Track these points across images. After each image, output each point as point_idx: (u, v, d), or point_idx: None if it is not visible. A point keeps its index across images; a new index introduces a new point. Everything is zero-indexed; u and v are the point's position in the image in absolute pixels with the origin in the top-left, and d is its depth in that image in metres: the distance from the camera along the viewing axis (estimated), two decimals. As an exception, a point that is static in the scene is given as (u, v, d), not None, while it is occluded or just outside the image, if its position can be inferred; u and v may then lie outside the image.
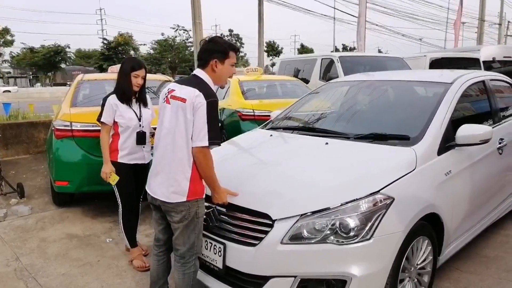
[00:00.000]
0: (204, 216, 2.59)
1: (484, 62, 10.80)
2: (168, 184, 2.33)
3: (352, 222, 2.21)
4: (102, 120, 3.27)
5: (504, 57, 11.54)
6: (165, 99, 2.41)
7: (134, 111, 3.28)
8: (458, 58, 10.60)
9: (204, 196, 2.41)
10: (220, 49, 2.37)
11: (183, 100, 2.27)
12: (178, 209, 2.33)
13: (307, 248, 2.21)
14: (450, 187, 2.78)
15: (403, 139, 2.82)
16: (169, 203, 2.33)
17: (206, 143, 2.23)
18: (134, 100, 3.32)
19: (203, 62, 2.39)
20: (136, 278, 3.19)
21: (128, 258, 3.50)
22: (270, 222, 2.30)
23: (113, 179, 3.22)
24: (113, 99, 3.26)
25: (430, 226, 2.62)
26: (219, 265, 2.45)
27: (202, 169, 2.33)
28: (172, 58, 44.93)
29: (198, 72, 2.41)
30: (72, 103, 4.67)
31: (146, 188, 2.52)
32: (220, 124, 7.19)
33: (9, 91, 36.43)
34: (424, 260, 2.63)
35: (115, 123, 3.26)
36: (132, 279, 3.18)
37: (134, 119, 3.24)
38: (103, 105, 3.27)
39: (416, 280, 2.60)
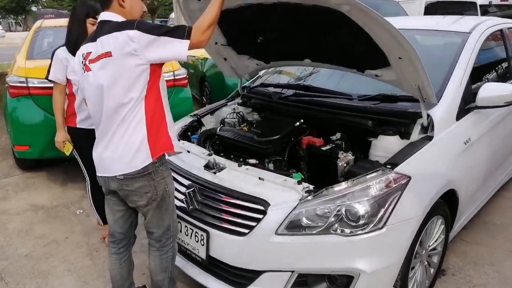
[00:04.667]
0: (184, 197, 2.20)
1: (480, 6, 10.24)
2: (123, 153, 1.84)
3: (361, 209, 1.83)
4: (50, 78, 2.74)
5: (501, 0, 10.98)
6: (83, 68, 1.86)
7: None
8: (455, 1, 9.98)
9: (175, 150, 1.91)
10: None
11: (108, 54, 1.73)
12: (142, 191, 1.88)
13: (307, 240, 1.84)
14: (468, 157, 2.41)
15: (416, 101, 2.38)
16: (131, 174, 1.84)
17: (187, 43, 1.67)
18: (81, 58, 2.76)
19: (105, 1, 1.84)
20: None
21: (100, 234, 3.11)
22: (263, 209, 1.90)
23: (67, 149, 2.76)
24: (62, 52, 2.71)
25: (445, 203, 2.27)
26: (202, 255, 2.09)
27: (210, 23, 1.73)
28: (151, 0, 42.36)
29: (105, 16, 1.85)
30: (29, 55, 4.05)
31: (97, 173, 2.01)
32: (203, 76, 6.63)
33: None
34: (436, 240, 2.32)
35: (69, 81, 2.73)
36: (104, 260, 2.81)
37: None
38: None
39: (426, 262, 2.30)
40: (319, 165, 2.31)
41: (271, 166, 2.39)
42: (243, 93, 3.22)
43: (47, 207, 3.66)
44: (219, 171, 2.19)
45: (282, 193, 1.95)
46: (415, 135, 2.26)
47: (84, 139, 2.78)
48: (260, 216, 1.90)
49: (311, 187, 1.95)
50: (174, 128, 1.94)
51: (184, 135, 2.86)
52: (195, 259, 2.17)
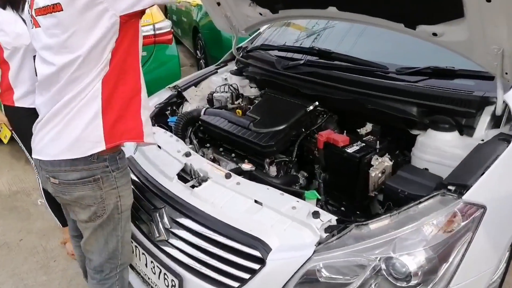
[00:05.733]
0: (149, 219, 1.56)
1: None
2: (66, 133, 1.29)
3: (413, 262, 1.17)
4: None
5: None
6: (31, 21, 1.33)
7: (25, 22, 1.97)
8: None
9: (144, 139, 1.37)
10: None
11: (56, 8, 1.19)
12: (83, 203, 1.35)
13: (328, 308, 1.21)
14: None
15: (486, 79, 1.65)
16: (71, 179, 1.31)
17: None
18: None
19: None
20: (68, 274, 2.24)
21: (60, 236, 2.52)
22: (260, 256, 1.26)
23: (4, 134, 2.10)
24: None
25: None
26: (175, 305, 1.48)
27: None
28: None
29: None
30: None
31: (33, 154, 1.41)
32: (196, 26, 5.73)
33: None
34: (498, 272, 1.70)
35: None
36: (63, 276, 2.24)
37: (25, 35, 1.92)
38: None
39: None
40: (342, 174, 1.63)
41: (273, 170, 1.72)
42: (238, 57, 2.47)
43: (5, 194, 3.05)
44: (199, 184, 1.53)
45: (289, 230, 1.29)
46: (482, 131, 1.57)
47: (25, 121, 2.08)
48: (256, 266, 1.26)
49: (333, 219, 1.30)
50: (149, 108, 1.45)
51: (158, 117, 2.16)
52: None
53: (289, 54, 2.27)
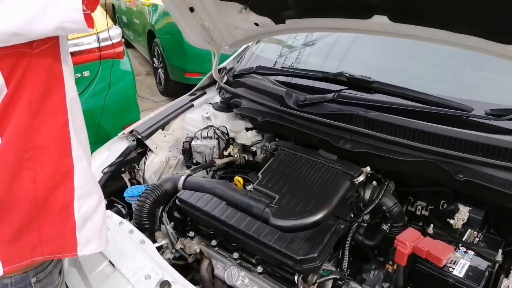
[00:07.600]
0: None
1: None
2: None
3: None
4: None
5: None
6: None
7: None
8: None
9: (79, 252, 0.84)
10: None
11: None
12: None
13: None
14: None
15: None
16: None
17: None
18: None
19: None
20: None
21: None
22: None
23: None
24: None
25: None
26: None
27: None
28: None
29: None
30: None
31: None
32: (151, 30, 4.88)
33: None
34: None
35: None
36: None
37: None
38: None
39: None
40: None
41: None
42: (222, 84, 1.74)
43: None
44: None
45: None
46: None
47: None
48: None
49: None
50: (94, 192, 0.86)
51: (110, 184, 1.40)
52: None
53: (301, 81, 1.57)
